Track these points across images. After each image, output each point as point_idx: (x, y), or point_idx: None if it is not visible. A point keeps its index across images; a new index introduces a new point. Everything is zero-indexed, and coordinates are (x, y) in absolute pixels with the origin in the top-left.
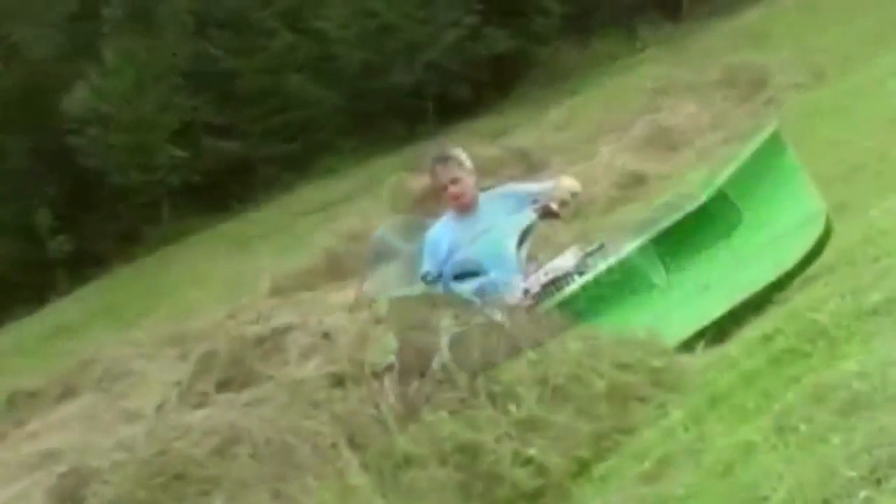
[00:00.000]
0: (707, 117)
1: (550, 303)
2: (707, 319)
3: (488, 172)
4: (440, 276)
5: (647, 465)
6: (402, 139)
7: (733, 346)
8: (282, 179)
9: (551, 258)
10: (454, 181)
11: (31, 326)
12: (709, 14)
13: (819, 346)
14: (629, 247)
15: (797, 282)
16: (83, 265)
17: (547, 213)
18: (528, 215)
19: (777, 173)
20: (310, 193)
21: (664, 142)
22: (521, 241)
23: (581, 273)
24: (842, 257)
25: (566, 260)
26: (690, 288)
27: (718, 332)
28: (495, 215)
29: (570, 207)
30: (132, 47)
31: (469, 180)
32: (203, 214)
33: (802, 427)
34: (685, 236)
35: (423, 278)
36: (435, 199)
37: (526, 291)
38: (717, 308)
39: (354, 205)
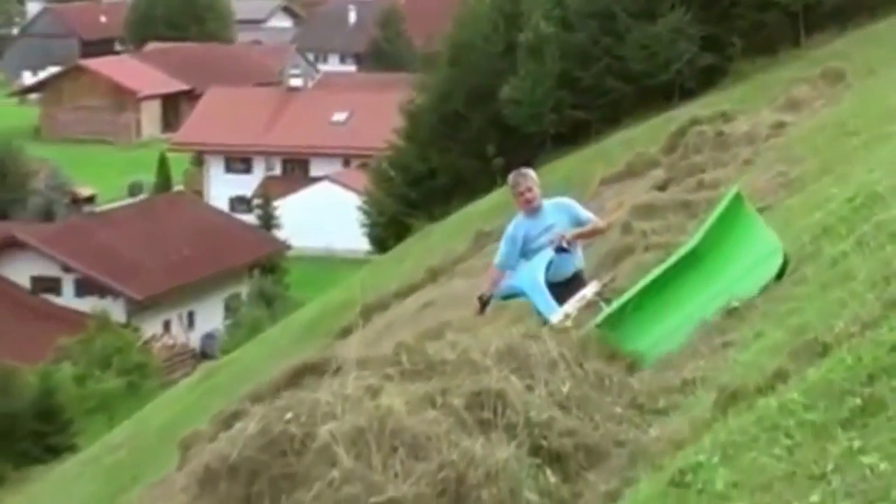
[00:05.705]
0: (815, 94)
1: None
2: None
3: (698, 123)
4: (511, 267)
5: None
6: (662, 109)
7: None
8: (603, 131)
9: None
10: (528, 189)
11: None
12: (814, 44)
13: None
14: (635, 287)
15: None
16: (505, 174)
17: (560, 249)
18: (549, 253)
19: (742, 222)
20: (618, 138)
21: (794, 106)
22: (547, 269)
23: (607, 300)
24: None
25: (590, 289)
26: (680, 314)
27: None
28: (555, 216)
29: (575, 244)
30: (532, 68)
31: (537, 191)
32: (565, 148)
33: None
34: (676, 275)
35: (499, 266)
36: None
37: (567, 315)
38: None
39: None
